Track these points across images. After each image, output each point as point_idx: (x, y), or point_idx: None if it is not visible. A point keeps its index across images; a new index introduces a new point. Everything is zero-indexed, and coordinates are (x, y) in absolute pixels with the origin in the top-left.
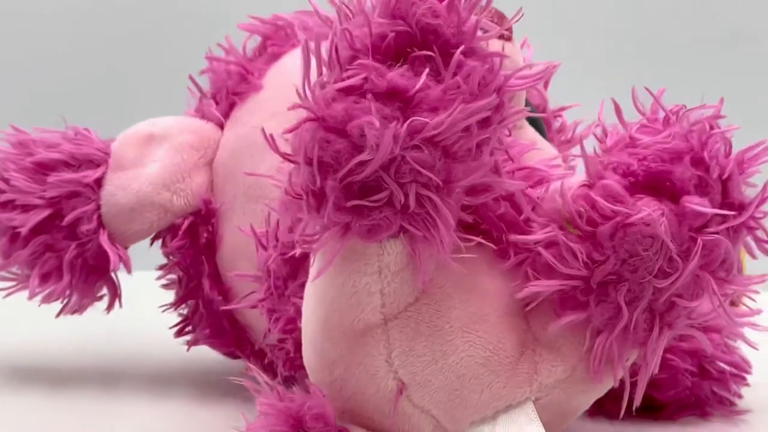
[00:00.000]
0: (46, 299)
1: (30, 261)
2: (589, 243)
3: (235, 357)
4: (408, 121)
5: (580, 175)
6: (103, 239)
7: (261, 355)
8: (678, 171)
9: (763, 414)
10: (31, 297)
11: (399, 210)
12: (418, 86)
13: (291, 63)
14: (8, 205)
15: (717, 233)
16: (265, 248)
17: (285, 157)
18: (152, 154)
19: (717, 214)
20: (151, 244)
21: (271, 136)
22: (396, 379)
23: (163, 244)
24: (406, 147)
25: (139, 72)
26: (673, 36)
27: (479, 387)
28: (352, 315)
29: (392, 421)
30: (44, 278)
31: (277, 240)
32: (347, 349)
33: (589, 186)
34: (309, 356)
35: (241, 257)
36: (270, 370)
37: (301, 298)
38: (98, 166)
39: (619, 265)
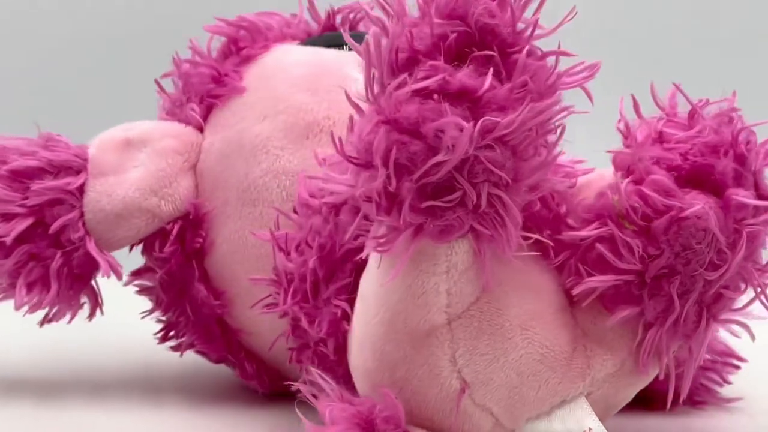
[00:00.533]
0: (32, 309)
1: (14, 271)
2: (644, 238)
3: (225, 362)
4: (481, 121)
5: (605, 171)
6: (92, 247)
7: (254, 359)
8: (720, 164)
9: (755, 401)
10: (18, 307)
11: (471, 210)
12: (486, 86)
13: (273, 64)
14: None
15: (756, 224)
16: (287, 252)
17: (350, 160)
18: (133, 159)
19: (750, 206)
20: (130, 250)
21: (339, 139)
22: (459, 378)
23: (146, 250)
24: (479, 147)
25: (104, 75)
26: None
27: (537, 383)
28: (418, 316)
29: (454, 421)
30: (29, 288)
31: (306, 243)
32: (412, 349)
33: (637, 181)
34: (365, 358)
35: (236, 261)
36: (263, 374)
37: (345, 300)
38: (78, 172)
39: (672, 258)
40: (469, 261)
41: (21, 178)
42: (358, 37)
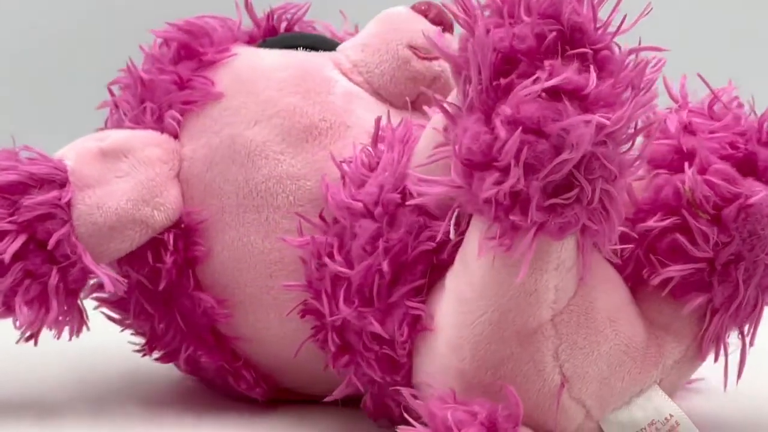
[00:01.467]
0: (33, 327)
1: (11, 289)
2: (717, 226)
3: (220, 375)
4: (597, 118)
5: None
6: (89, 261)
7: (253, 367)
8: (763, 152)
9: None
10: (22, 327)
11: (585, 206)
12: (593, 84)
13: (247, 68)
14: None
15: None
16: (329, 258)
17: (466, 163)
18: (116, 170)
19: None
20: None
21: (460, 143)
22: (560, 373)
23: (132, 262)
24: (595, 143)
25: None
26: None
27: (622, 374)
28: (528, 313)
29: (554, 416)
30: (29, 306)
31: (363, 249)
32: (518, 347)
33: (700, 171)
34: (462, 358)
35: (239, 269)
36: (261, 382)
37: (421, 301)
38: (62, 186)
39: (740, 244)
40: (574, 257)
41: (5, 193)
42: (319, 39)
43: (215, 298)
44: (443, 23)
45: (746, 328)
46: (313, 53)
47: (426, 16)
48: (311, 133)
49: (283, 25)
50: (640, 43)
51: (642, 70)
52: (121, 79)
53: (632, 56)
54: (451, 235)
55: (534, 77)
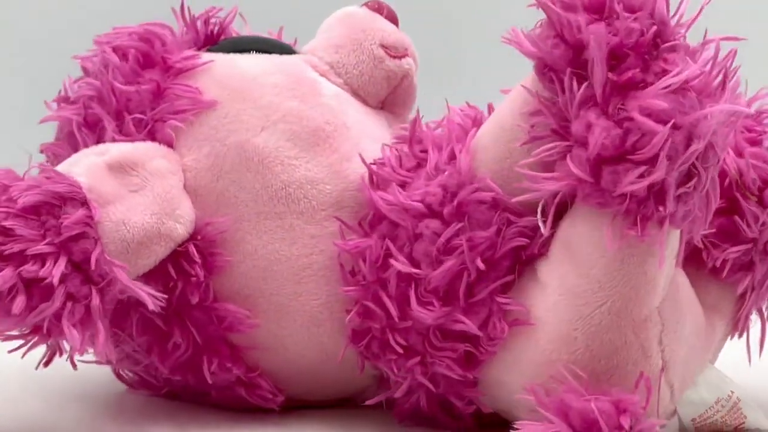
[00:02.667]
0: (82, 351)
1: (56, 313)
2: (762, 207)
3: (231, 389)
4: (719, 108)
5: None
6: (126, 279)
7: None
8: None
9: None
10: (79, 351)
11: (700, 193)
12: (699, 75)
13: (234, 75)
14: (15, 258)
15: None
16: (371, 261)
17: (597, 158)
18: (128, 184)
19: None
20: None
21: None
22: (662, 358)
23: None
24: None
25: None
26: None
27: (695, 355)
28: (645, 301)
29: (654, 400)
30: (77, 329)
31: (439, 250)
32: (632, 334)
33: (738, 155)
34: (574, 350)
35: (264, 278)
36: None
37: (509, 297)
38: (83, 203)
39: None
40: (678, 243)
41: (31, 214)
42: (272, 43)
43: (240, 309)
44: (395, 21)
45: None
46: (285, 56)
47: (380, 14)
48: (319, 136)
49: (216, 29)
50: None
51: (731, 59)
52: (84, 90)
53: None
54: (543, 230)
55: (660, 71)
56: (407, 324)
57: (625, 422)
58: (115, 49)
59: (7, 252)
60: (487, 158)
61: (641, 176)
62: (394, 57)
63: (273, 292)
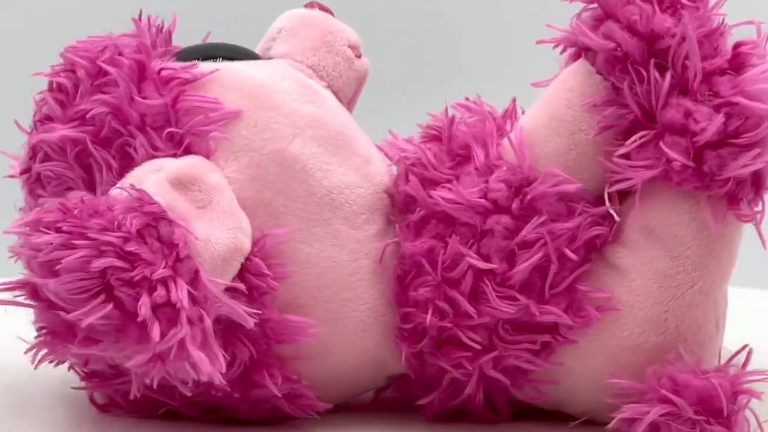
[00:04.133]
0: (209, 376)
1: (182, 338)
2: None
3: (269, 403)
4: None
5: None
6: (226, 299)
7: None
8: None
9: None
10: (211, 376)
11: None
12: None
13: (248, 82)
14: (142, 283)
15: None
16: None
17: (702, 144)
18: (195, 200)
19: None
20: None
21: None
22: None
23: None
24: None
25: None
26: None
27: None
28: (726, 278)
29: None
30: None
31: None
32: (713, 311)
33: None
34: (662, 331)
35: (319, 286)
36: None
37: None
38: (171, 223)
39: None
40: None
41: (141, 237)
42: (237, 50)
43: (303, 319)
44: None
45: None
46: (273, 62)
47: (330, 14)
48: (340, 140)
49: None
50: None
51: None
52: (90, 105)
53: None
54: (616, 218)
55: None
56: (478, 321)
57: (744, 399)
58: (111, 62)
59: (137, 278)
60: (546, 151)
61: (752, 160)
62: (358, 57)
63: (327, 300)
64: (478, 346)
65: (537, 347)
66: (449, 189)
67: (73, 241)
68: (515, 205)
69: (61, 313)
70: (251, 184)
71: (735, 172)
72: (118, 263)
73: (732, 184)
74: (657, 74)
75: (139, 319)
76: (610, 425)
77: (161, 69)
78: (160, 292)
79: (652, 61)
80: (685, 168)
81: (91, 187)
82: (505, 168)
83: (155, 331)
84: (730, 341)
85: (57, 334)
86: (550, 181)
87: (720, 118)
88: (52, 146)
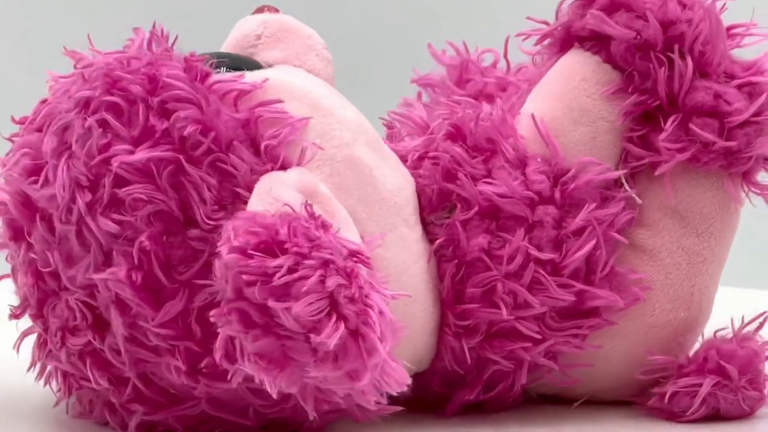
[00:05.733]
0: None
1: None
2: None
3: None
4: None
5: None
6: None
7: None
8: None
9: None
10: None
11: None
12: None
13: (292, 88)
14: (359, 299)
15: None
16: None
17: (734, 124)
18: (321, 212)
19: None
20: None
21: None
22: None
23: None
24: None
25: None
26: None
27: None
28: (730, 248)
29: None
30: None
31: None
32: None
33: None
34: (689, 307)
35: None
36: None
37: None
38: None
39: None
40: None
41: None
42: (240, 59)
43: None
44: None
45: None
46: (284, 68)
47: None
48: (379, 142)
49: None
50: None
51: None
52: (175, 123)
53: None
54: (638, 200)
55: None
56: (534, 311)
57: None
58: (175, 78)
59: (356, 294)
60: (573, 141)
61: None
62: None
63: (395, 305)
64: (538, 336)
65: (585, 332)
66: (494, 184)
67: (305, 261)
68: (557, 195)
69: (291, 336)
70: (337, 193)
71: (760, 150)
72: (343, 281)
73: (757, 161)
74: (680, 60)
75: (374, 334)
76: (651, 402)
77: (216, 81)
78: (378, 306)
79: (676, 46)
80: (716, 148)
81: (183, 208)
82: (539, 160)
83: (380, 346)
84: None
85: (276, 360)
86: (594, 170)
87: (744, 98)
88: (130, 169)
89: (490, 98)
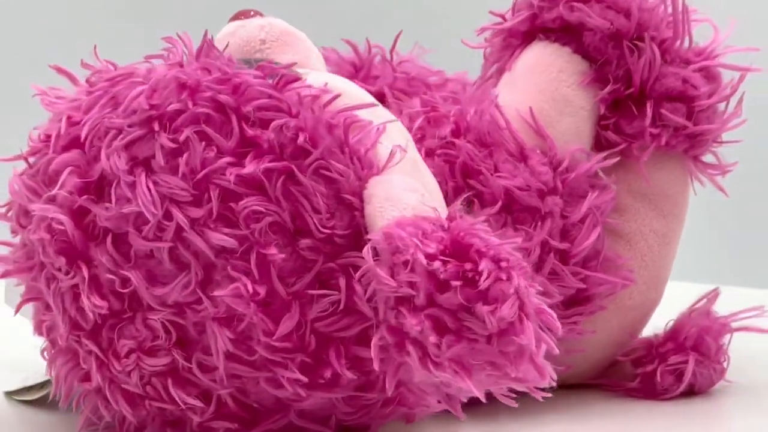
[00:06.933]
0: None
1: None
2: None
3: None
4: None
5: None
6: None
7: None
8: None
9: None
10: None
11: None
12: None
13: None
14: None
15: None
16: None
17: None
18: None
19: None
20: None
21: None
22: None
23: None
24: None
25: None
26: None
27: None
28: None
29: None
30: None
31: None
32: None
33: None
34: (658, 287)
35: None
36: None
37: None
38: None
39: None
40: None
41: None
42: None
43: None
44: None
45: None
46: (322, 73)
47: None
48: (411, 143)
49: None
50: None
51: None
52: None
53: None
54: (612, 186)
55: None
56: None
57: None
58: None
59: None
60: (560, 131)
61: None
62: None
63: None
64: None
65: (584, 318)
66: (508, 177)
67: (502, 265)
68: (559, 185)
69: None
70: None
71: (717, 132)
72: (524, 282)
73: (716, 141)
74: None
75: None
76: (634, 384)
77: (298, 88)
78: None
79: (647, 34)
80: (686, 131)
81: (293, 218)
82: (539, 152)
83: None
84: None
85: (467, 365)
86: (593, 159)
87: (706, 82)
88: (238, 181)
89: (404, 93)
